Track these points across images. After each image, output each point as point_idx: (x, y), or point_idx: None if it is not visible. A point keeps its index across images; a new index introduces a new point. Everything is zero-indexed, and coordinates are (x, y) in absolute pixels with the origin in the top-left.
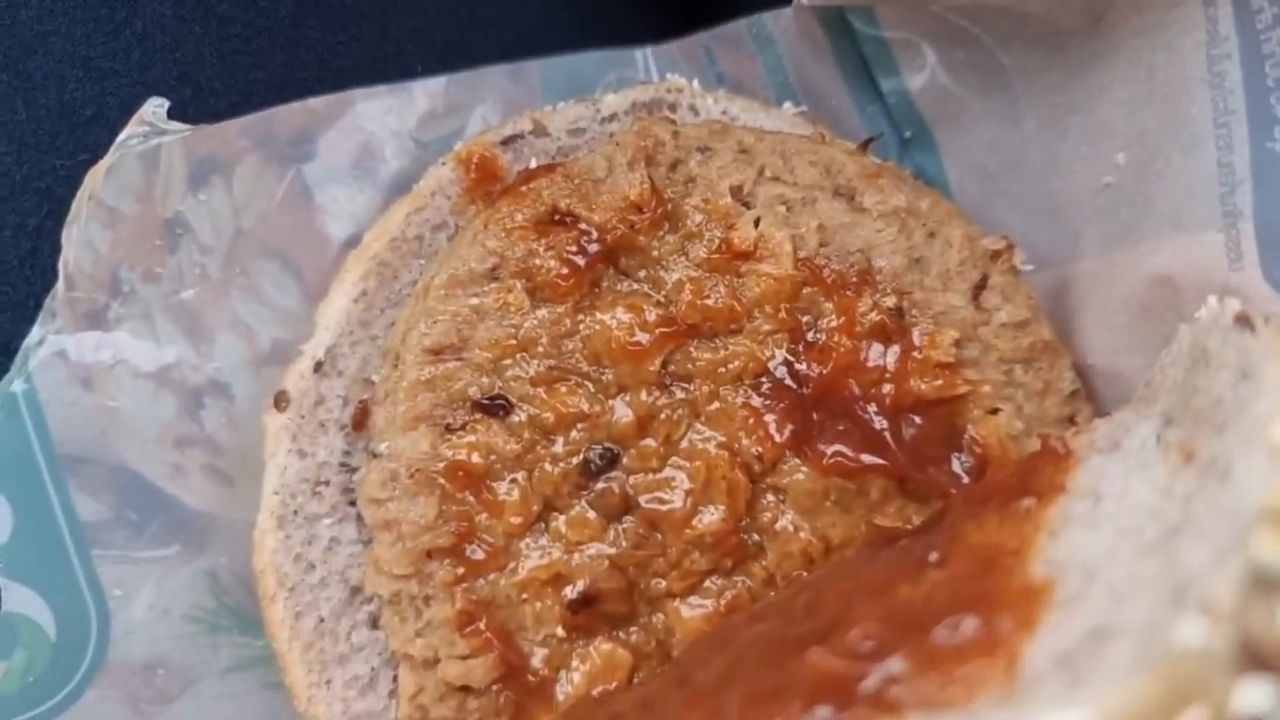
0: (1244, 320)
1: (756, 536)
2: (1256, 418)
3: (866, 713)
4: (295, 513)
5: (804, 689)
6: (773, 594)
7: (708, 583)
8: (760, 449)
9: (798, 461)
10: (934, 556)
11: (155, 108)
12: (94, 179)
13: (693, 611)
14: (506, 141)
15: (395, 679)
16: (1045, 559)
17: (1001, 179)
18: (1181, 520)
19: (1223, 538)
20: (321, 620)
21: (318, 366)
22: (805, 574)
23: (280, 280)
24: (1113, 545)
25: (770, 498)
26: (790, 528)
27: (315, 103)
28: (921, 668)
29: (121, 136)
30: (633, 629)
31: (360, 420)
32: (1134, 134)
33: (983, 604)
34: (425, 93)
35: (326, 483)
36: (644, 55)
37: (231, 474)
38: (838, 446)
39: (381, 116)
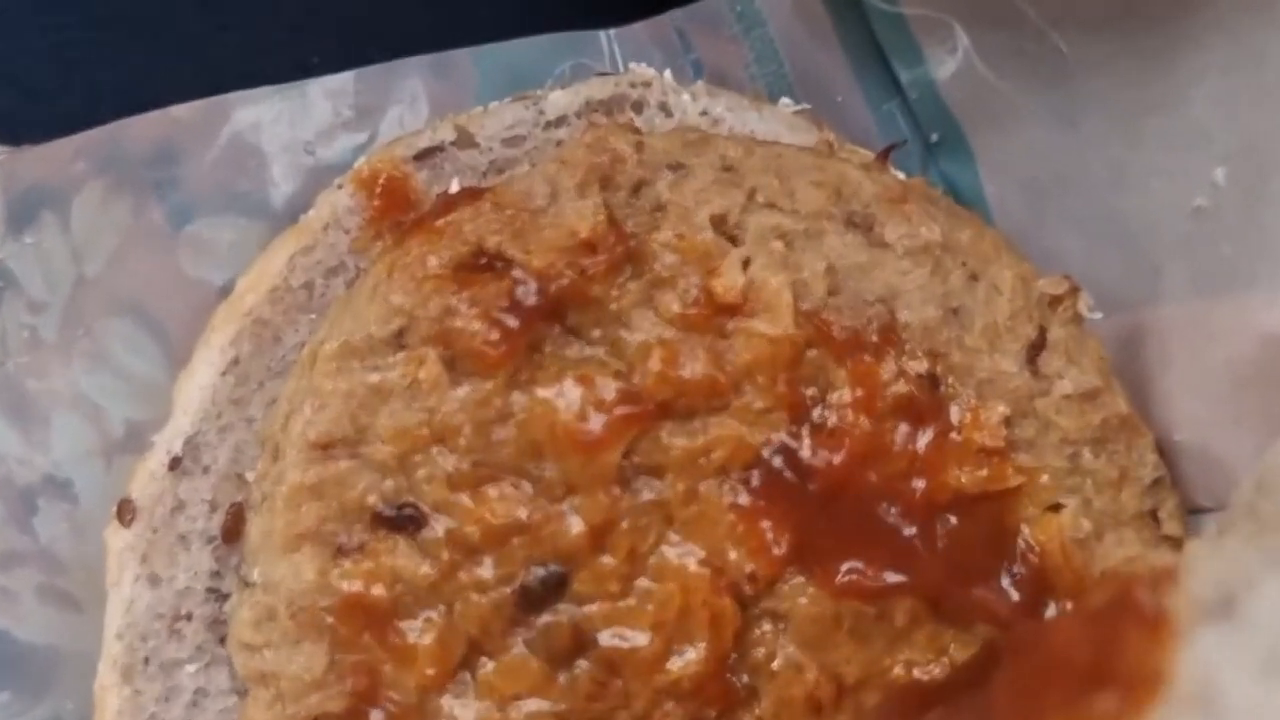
0: None
1: (747, 678)
2: None
3: None
4: (146, 660)
5: None
6: None
7: None
8: (752, 565)
9: (801, 580)
10: None
11: None
12: None
13: None
14: (422, 156)
15: None
16: None
17: (1054, 196)
18: None
19: None
20: None
21: (175, 463)
22: None
23: (136, 342)
24: None
25: (766, 628)
26: (791, 666)
27: (180, 110)
28: None
29: None
30: None
31: (233, 529)
32: (1238, 143)
33: None
34: (325, 94)
35: (188, 617)
36: (605, 39)
37: (77, 596)
38: (852, 560)
39: (268, 126)
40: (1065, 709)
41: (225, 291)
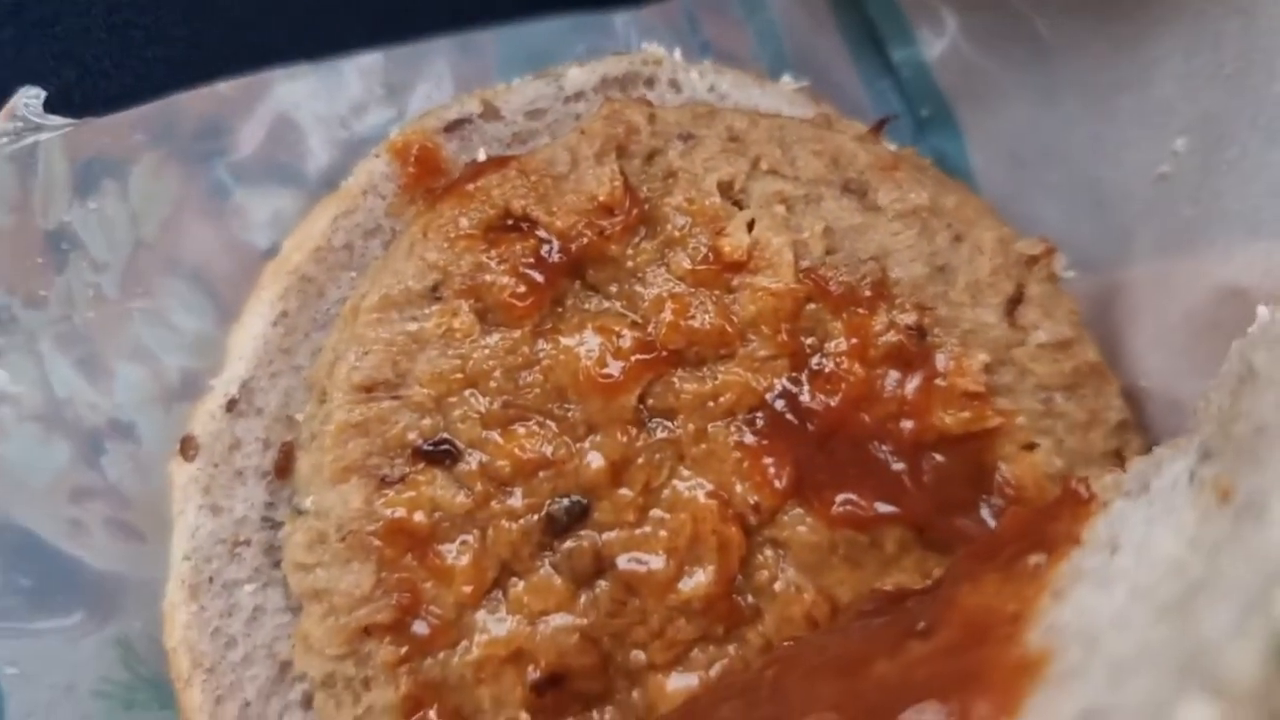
0: None
1: (752, 598)
2: None
3: None
4: (210, 580)
5: None
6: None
7: (695, 652)
8: (756, 497)
9: (800, 511)
10: (921, 625)
11: (29, 99)
12: None
13: (678, 685)
14: (451, 127)
15: None
16: (1046, 625)
17: (1035, 167)
18: (1205, 575)
19: (1248, 595)
20: (247, 704)
21: (231, 404)
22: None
23: (190, 300)
24: (1124, 609)
25: (768, 553)
26: (791, 588)
27: (226, 87)
28: None
29: None
30: (608, 708)
31: (284, 466)
32: (1197, 116)
33: (962, 687)
34: (358, 71)
35: (246, 542)
36: (620, 22)
37: (141, 528)
38: (847, 493)
39: (306, 101)
40: (1002, 568)
41: (269, 254)
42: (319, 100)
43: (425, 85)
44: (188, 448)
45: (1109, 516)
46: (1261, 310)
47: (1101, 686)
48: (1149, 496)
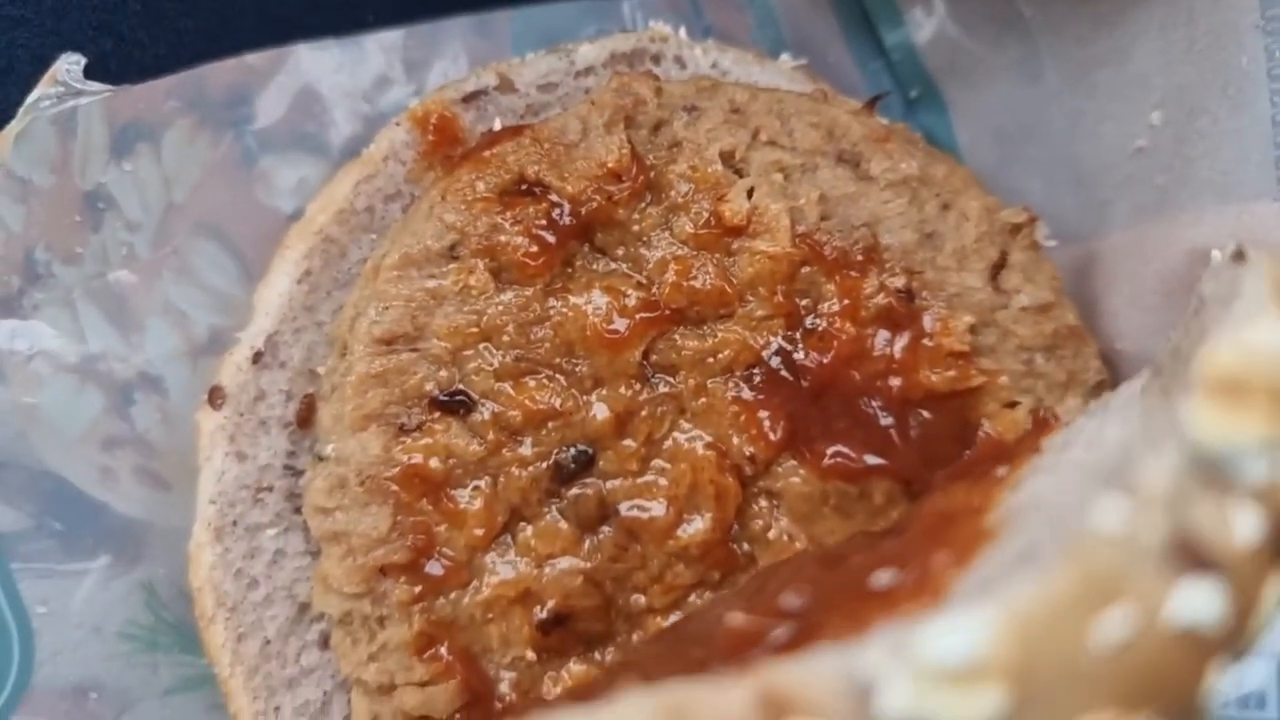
0: (1239, 256)
1: (747, 546)
2: (1230, 323)
3: (765, 655)
4: (234, 523)
5: (720, 653)
6: None
7: (692, 597)
8: (752, 449)
9: (794, 463)
10: (893, 527)
11: (70, 65)
12: (2, 146)
13: None
14: (468, 99)
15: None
16: (1003, 509)
17: (1019, 142)
18: (1140, 441)
19: (1171, 427)
20: (267, 642)
21: (257, 357)
22: None
23: (217, 260)
24: (1068, 479)
25: (763, 503)
26: (784, 536)
27: (254, 58)
28: (845, 615)
29: (31, 97)
30: (609, 649)
31: (306, 417)
32: (1171, 90)
33: (925, 552)
34: (380, 47)
35: (269, 488)
36: (627, 7)
37: (167, 477)
38: (838, 446)
39: (330, 74)
40: (972, 481)
41: (293, 218)
42: (342, 73)
43: (442, 62)
44: (215, 397)
45: (1069, 428)
46: (1215, 253)
47: (1038, 532)
48: (1106, 411)
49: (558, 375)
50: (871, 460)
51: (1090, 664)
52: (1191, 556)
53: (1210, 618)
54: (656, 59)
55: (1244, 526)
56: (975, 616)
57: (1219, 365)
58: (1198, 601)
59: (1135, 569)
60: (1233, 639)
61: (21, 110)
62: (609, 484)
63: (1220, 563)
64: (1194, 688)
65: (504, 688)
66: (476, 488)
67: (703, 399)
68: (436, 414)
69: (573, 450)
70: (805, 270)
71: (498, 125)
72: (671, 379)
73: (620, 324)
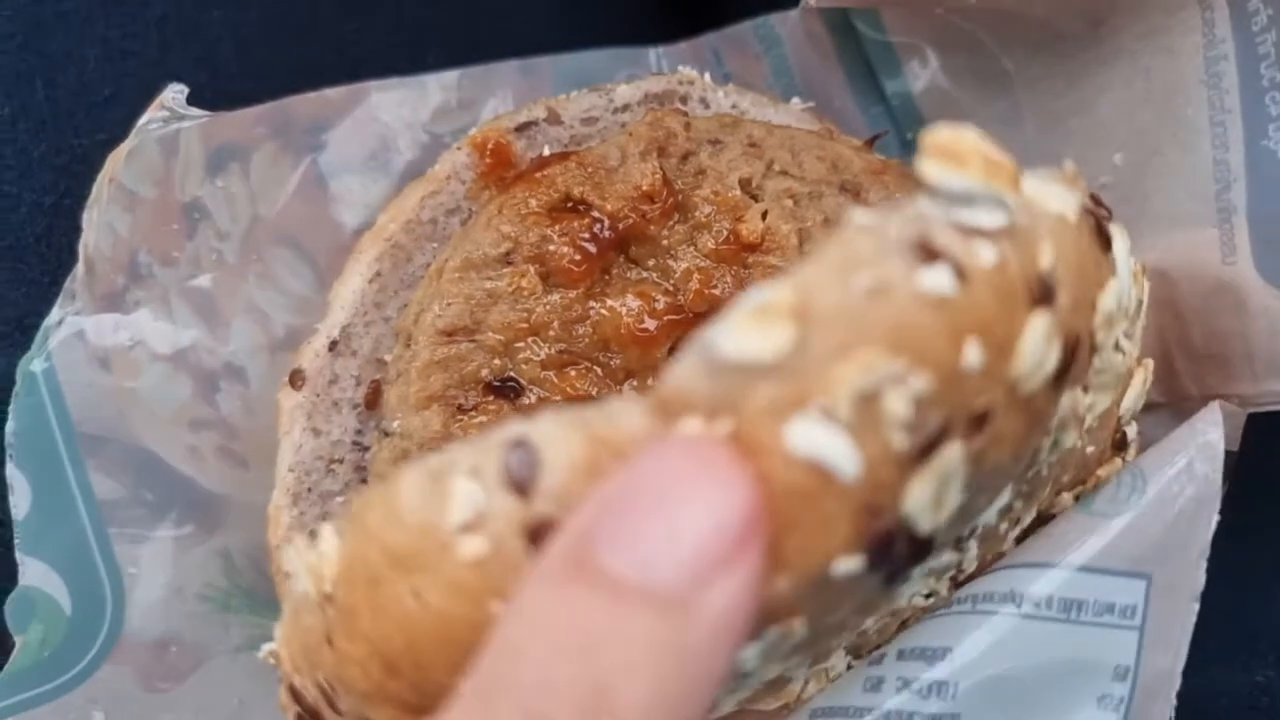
0: None
1: None
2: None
3: None
4: (309, 490)
5: None
6: None
7: None
8: None
9: None
10: None
11: (175, 93)
12: (115, 162)
13: None
14: (521, 128)
15: None
16: None
17: None
18: None
19: None
20: None
21: (332, 345)
22: None
23: (294, 267)
24: None
25: None
26: None
27: (331, 93)
28: None
29: (142, 120)
30: None
31: (373, 399)
32: (1132, 135)
33: None
34: (439, 86)
35: (340, 460)
36: (653, 55)
37: (246, 456)
38: None
39: (396, 108)
40: None
41: (359, 232)
42: (405, 107)
43: (494, 100)
44: (296, 379)
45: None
46: None
47: None
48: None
49: (595, 367)
50: None
51: (857, 308)
52: (933, 253)
53: (951, 293)
54: (684, 99)
55: (984, 250)
56: (774, 283)
57: (939, 137)
58: (939, 279)
59: (884, 249)
60: (986, 328)
61: (134, 131)
62: None
63: (961, 267)
64: (953, 360)
65: None
66: None
67: None
68: (490, 397)
69: None
70: None
71: (546, 152)
72: None
73: (650, 324)
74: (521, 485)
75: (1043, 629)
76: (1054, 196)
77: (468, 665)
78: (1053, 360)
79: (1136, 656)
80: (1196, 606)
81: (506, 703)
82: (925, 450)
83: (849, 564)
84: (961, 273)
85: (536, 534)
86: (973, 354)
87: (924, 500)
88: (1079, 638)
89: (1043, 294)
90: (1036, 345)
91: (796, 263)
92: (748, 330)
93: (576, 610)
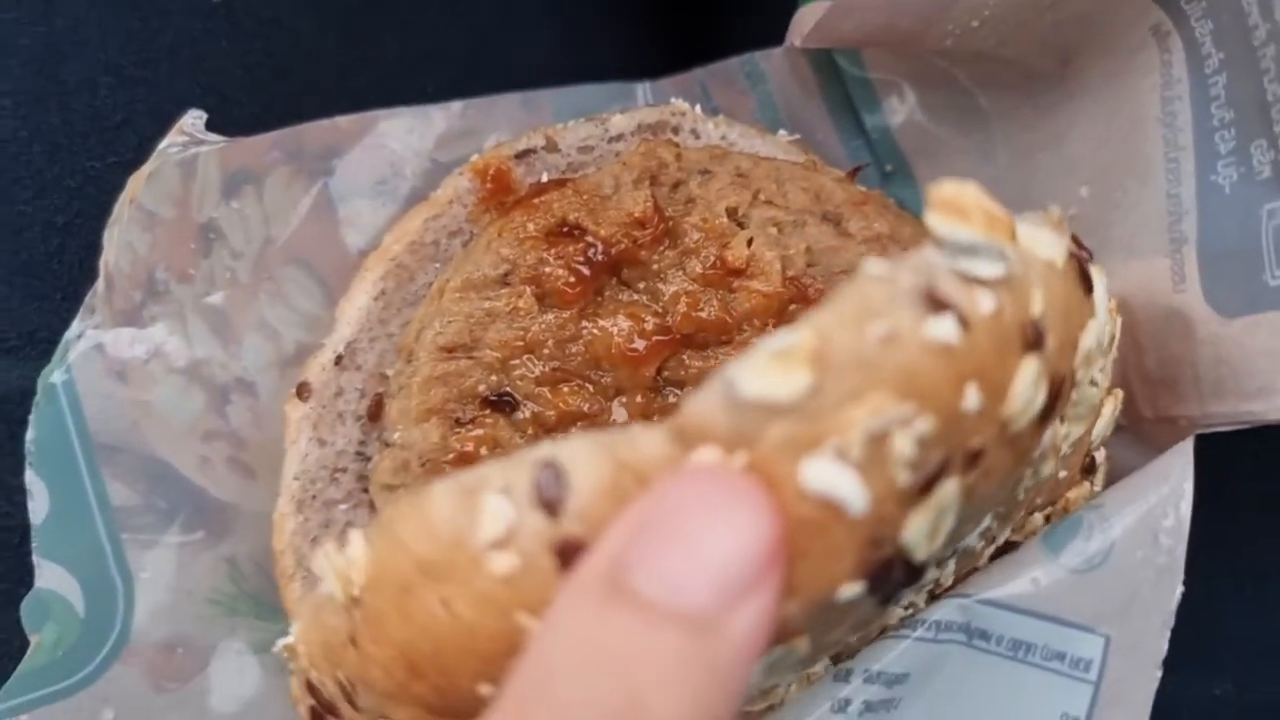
0: None
1: None
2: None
3: None
4: (314, 497)
5: None
6: None
7: None
8: None
9: None
10: None
11: (194, 119)
12: (136, 183)
13: None
14: (520, 155)
15: None
16: None
17: None
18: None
19: None
20: None
21: (338, 360)
22: None
23: (305, 286)
24: None
25: None
26: None
27: (342, 121)
28: None
29: (163, 145)
30: None
31: (375, 412)
32: (1097, 169)
33: None
34: (443, 115)
35: (344, 470)
36: (644, 90)
37: (254, 467)
38: None
39: (403, 135)
40: None
41: (365, 253)
42: (412, 136)
43: (497, 132)
44: (303, 391)
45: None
46: None
47: None
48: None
49: (587, 384)
50: None
51: (870, 355)
52: (939, 303)
53: (955, 341)
54: (676, 129)
55: (984, 299)
56: (793, 329)
57: (944, 191)
58: (945, 327)
59: (895, 299)
60: (984, 373)
61: (154, 154)
62: None
63: (964, 316)
64: (955, 403)
65: None
66: None
67: None
68: (487, 411)
69: None
70: (793, 307)
71: (545, 179)
72: (679, 392)
73: (640, 344)
74: (551, 504)
75: (992, 663)
76: (1044, 243)
77: (491, 672)
78: (1040, 400)
79: (1089, 711)
80: (1159, 674)
81: (543, 715)
82: (926, 486)
83: (851, 589)
84: (965, 321)
85: (564, 552)
86: (972, 397)
87: (922, 531)
88: (1025, 678)
89: (1034, 339)
90: (1027, 387)
91: (808, 315)
92: (768, 372)
93: (611, 630)
